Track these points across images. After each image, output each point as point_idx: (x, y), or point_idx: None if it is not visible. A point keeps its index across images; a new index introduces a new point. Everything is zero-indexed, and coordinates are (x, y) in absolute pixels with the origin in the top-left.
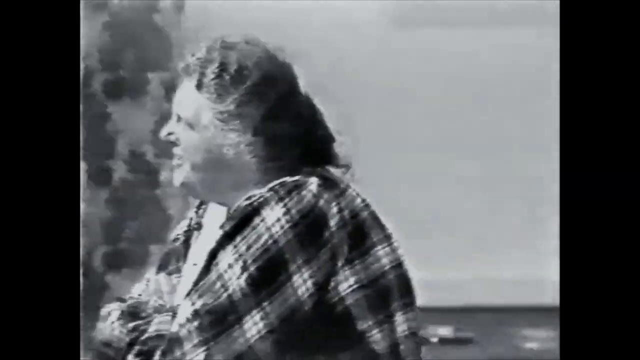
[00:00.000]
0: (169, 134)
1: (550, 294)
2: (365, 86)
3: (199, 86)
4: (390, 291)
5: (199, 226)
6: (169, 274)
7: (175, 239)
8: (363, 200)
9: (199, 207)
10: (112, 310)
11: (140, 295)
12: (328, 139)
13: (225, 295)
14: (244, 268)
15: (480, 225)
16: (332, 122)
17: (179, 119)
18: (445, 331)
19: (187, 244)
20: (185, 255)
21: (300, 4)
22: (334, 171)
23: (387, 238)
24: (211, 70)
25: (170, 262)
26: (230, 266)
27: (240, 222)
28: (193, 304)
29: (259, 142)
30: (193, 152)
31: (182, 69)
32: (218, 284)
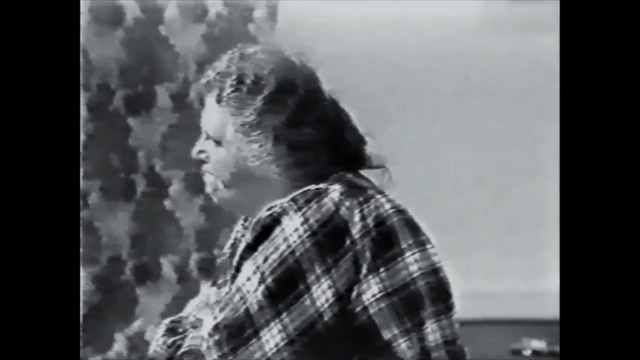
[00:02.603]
0: (200, 152)
1: (551, 306)
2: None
3: (219, 100)
4: (420, 299)
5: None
6: (219, 287)
7: (225, 253)
8: (394, 207)
9: (245, 220)
10: (159, 327)
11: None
12: (358, 142)
13: (243, 308)
14: (261, 280)
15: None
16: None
17: (208, 136)
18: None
19: (233, 257)
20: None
21: (392, 9)
22: (373, 177)
23: (419, 244)
24: (229, 84)
25: (220, 276)
26: (248, 279)
27: (260, 234)
28: (215, 318)
29: (281, 149)
30: (222, 168)
31: (204, 84)
32: (237, 297)
